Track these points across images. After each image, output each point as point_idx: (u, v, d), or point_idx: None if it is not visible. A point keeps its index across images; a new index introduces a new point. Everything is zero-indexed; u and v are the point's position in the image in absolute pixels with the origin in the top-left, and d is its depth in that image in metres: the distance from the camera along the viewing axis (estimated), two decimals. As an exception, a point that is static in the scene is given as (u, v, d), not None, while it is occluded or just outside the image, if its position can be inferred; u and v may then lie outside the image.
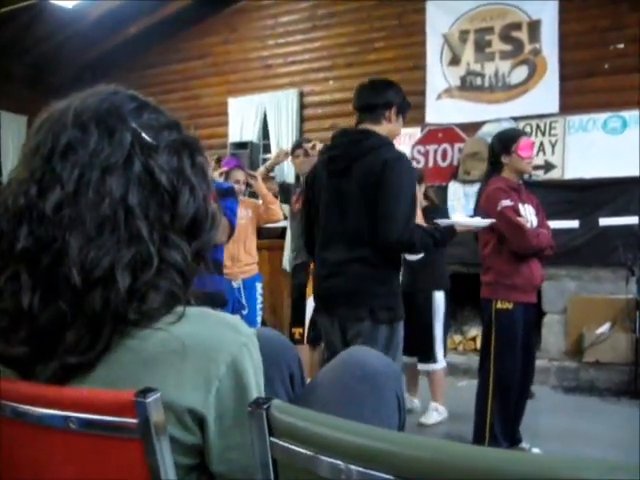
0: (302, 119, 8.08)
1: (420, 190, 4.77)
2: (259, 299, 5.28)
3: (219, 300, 3.90)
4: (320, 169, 3.16)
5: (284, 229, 6.87)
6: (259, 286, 5.31)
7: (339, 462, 0.76)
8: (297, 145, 5.47)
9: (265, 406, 0.85)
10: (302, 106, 8.07)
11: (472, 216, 3.88)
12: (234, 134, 8.25)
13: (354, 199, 2.97)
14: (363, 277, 2.96)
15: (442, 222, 3.29)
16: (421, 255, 4.78)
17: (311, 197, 3.21)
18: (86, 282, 0.92)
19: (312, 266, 3.93)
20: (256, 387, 0.99)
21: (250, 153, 7.91)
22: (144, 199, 0.98)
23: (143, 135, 1.01)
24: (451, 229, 3.21)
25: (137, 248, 0.96)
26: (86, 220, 0.94)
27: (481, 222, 3.47)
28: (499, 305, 3.72)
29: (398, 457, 0.73)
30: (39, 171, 0.97)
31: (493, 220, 3.49)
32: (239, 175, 5.19)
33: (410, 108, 3.26)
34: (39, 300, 0.93)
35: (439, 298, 4.83)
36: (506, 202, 3.65)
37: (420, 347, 4.77)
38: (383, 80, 3.33)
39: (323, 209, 3.10)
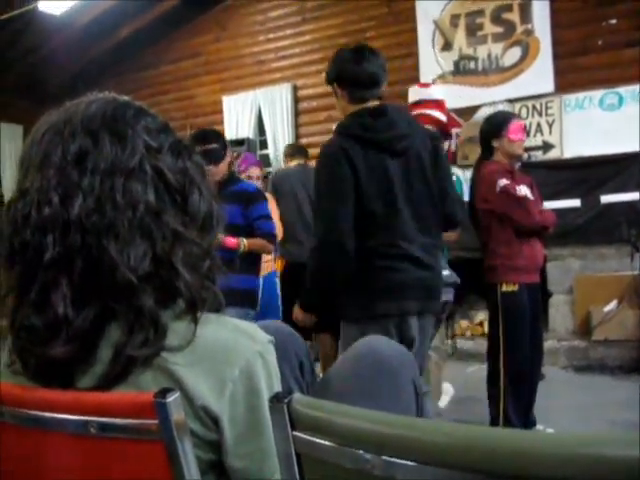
0: (297, 113, 8.06)
1: None
2: (279, 294, 5.18)
3: (250, 298, 3.85)
4: None
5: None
6: (278, 282, 5.25)
7: (364, 452, 0.75)
8: None
9: (286, 400, 0.85)
10: (296, 100, 8.06)
11: (469, 201, 3.88)
12: (230, 132, 8.22)
13: None
14: None
15: None
16: None
17: None
18: (135, 280, 0.95)
19: None
20: (268, 394, 0.99)
21: (247, 150, 7.88)
22: (161, 201, 1.00)
23: (148, 139, 1.03)
24: None
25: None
26: (119, 224, 0.95)
27: None
28: (504, 288, 3.68)
29: (424, 444, 0.72)
30: (54, 179, 0.97)
31: None
32: (256, 171, 5.20)
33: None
34: (76, 304, 0.94)
35: None
36: (503, 181, 3.63)
37: None
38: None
39: None
